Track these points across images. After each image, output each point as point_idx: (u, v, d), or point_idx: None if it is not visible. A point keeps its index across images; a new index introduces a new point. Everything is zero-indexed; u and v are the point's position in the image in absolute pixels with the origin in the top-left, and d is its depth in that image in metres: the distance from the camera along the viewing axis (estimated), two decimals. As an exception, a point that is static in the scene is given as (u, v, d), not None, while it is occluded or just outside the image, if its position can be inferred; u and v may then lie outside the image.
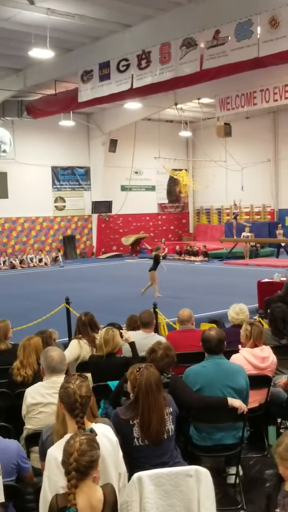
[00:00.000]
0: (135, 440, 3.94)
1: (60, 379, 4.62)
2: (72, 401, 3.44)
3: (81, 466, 2.94)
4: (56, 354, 4.76)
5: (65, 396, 3.48)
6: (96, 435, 3.23)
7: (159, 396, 3.98)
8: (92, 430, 3.34)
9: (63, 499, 2.94)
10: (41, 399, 4.61)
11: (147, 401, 3.91)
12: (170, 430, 4.01)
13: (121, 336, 6.17)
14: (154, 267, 16.60)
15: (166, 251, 28.30)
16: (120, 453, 3.58)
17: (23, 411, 4.72)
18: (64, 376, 4.69)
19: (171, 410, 4.07)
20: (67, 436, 3.30)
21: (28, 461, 4.02)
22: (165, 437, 3.97)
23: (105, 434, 3.46)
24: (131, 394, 4.06)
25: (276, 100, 21.67)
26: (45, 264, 27.33)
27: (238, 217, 28.91)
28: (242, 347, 5.78)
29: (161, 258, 17.35)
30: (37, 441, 4.11)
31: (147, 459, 3.90)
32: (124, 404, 4.35)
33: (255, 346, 5.72)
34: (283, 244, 25.49)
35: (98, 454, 3.02)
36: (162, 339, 6.81)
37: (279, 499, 3.19)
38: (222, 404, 4.75)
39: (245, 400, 4.96)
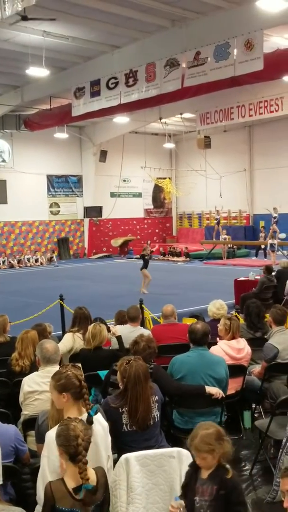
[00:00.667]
0: (124, 426, 3.92)
1: (54, 368, 4.60)
2: (78, 386, 3.42)
3: (87, 446, 2.93)
4: (50, 346, 4.74)
5: (69, 382, 3.43)
6: (98, 412, 3.29)
7: (146, 386, 3.97)
8: (97, 410, 3.35)
9: (57, 485, 2.91)
10: (37, 387, 4.59)
11: (135, 390, 3.90)
12: (156, 416, 4.00)
13: (109, 330, 6.16)
14: (144, 266, 16.59)
15: (156, 247, 28.19)
16: (109, 438, 3.57)
17: (21, 398, 4.70)
18: (58, 366, 4.68)
19: (157, 398, 4.06)
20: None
21: (25, 444, 4.01)
22: (151, 423, 3.96)
23: (97, 419, 3.45)
24: (120, 384, 4.05)
25: (251, 115, 21.81)
26: (41, 264, 27.19)
27: (220, 223, 28.81)
28: (220, 339, 5.79)
29: (148, 257, 17.24)
30: (33, 425, 4.09)
31: (135, 443, 3.89)
32: (114, 393, 4.33)
33: (233, 338, 5.73)
34: (262, 246, 25.49)
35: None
36: (147, 332, 6.81)
37: (197, 487, 3.15)
38: (200, 392, 4.76)
39: (224, 389, 4.96)
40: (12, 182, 27.33)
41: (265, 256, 24.65)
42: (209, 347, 5.53)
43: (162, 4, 13.45)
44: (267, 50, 13.58)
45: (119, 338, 6.10)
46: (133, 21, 14.49)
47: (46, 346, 4.71)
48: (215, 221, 29.08)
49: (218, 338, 5.82)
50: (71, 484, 2.91)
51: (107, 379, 5.11)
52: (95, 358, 5.67)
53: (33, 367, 5.24)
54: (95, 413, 3.35)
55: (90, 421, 3.23)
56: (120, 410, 3.93)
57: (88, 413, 3.32)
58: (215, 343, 5.74)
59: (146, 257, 17.02)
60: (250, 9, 12.67)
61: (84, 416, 3.32)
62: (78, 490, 2.86)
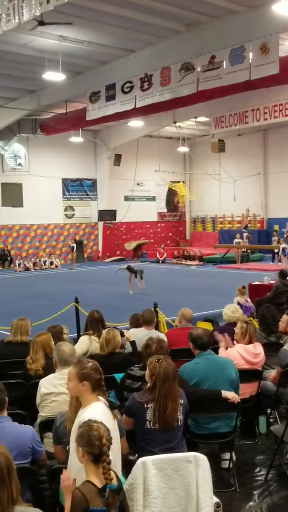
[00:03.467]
0: (147, 422, 3.92)
1: None
2: (98, 379, 3.58)
3: (109, 444, 2.96)
4: (67, 348, 4.76)
5: (90, 373, 3.59)
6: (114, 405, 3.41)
7: (175, 385, 3.99)
8: (114, 396, 3.46)
9: (86, 487, 2.90)
10: (54, 389, 4.61)
11: (164, 387, 3.92)
12: (180, 419, 3.99)
13: (123, 335, 6.14)
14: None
15: (165, 255, 28.33)
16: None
17: (37, 400, 4.71)
18: None
19: (182, 402, 4.05)
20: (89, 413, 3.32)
21: (42, 445, 4.01)
22: (175, 425, 3.95)
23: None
24: (149, 382, 4.05)
25: (266, 119, 21.71)
26: (56, 266, 27.28)
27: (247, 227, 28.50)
28: (236, 343, 5.76)
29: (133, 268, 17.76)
30: (50, 427, 4.11)
31: (156, 443, 3.88)
32: (129, 396, 4.33)
33: (250, 342, 5.70)
34: (275, 250, 25.37)
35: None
36: (162, 336, 6.80)
37: None
38: (216, 396, 4.73)
39: (236, 389, 4.94)
40: (27, 185, 27.52)
41: (274, 260, 24.54)
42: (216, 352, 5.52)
43: (177, 9, 13.47)
44: (282, 53, 13.51)
45: (133, 343, 6.08)
46: (149, 26, 14.53)
47: (62, 349, 4.72)
48: (243, 227, 28.61)
49: (235, 342, 5.79)
50: (98, 484, 2.91)
51: (122, 383, 5.10)
52: (109, 364, 5.59)
53: (46, 370, 5.26)
54: (114, 398, 3.51)
55: (112, 406, 3.39)
56: (145, 406, 3.94)
57: (109, 400, 3.47)
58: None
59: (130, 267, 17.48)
60: (266, 13, 12.64)
61: (99, 405, 3.42)
62: (103, 490, 2.86)
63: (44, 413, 4.62)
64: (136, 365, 5.07)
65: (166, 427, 3.90)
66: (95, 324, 6.60)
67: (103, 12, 13.38)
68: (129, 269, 17.18)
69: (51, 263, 27.28)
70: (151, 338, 5.10)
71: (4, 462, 2.62)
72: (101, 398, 3.57)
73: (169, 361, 4.05)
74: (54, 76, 16.33)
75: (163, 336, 6.81)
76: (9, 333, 6.70)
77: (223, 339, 5.75)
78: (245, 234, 27.02)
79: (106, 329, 6.00)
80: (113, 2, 12.93)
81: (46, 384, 4.66)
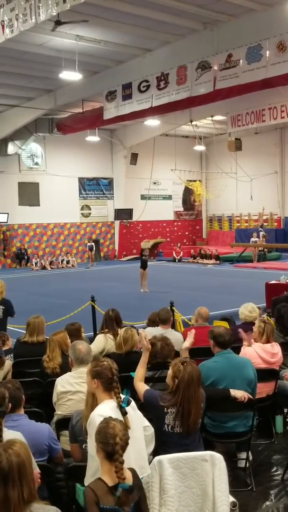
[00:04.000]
0: (166, 426, 3.89)
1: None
2: (109, 378, 3.58)
3: (125, 446, 2.96)
4: (83, 346, 4.78)
5: (102, 371, 3.61)
6: (130, 402, 3.40)
7: (199, 390, 3.95)
8: (128, 401, 3.43)
9: (97, 484, 2.93)
10: (70, 388, 4.63)
11: (188, 392, 3.86)
12: (199, 422, 3.98)
13: (139, 334, 6.14)
14: (142, 266, 17.13)
15: (181, 254, 28.30)
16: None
17: (54, 398, 4.73)
18: None
19: (203, 405, 4.03)
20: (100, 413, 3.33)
21: (58, 442, 4.04)
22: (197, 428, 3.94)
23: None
24: (171, 384, 3.99)
25: (283, 117, 21.57)
26: (72, 265, 27.39)
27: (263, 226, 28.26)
28: (254, 342, 5.73)
29: (146, 257, 17.63)
30: (67, 425, 4.13)
31: (173, 445, 3.84)
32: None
33: (267, 342, 5.67)
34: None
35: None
36: (178, 335, 6.80)
37: None
38: (225, 395, 4.71)
39: (254, 389, 4.92)
40: (44, 184, 27.68)
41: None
42: (237, 351, 5.49)
43: (194, 7, 13.43)
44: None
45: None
46: (165, 25, 14.51)
47: (78, 347, 4.74)
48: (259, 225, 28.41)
49: (252, 340, 5.76)
50: (109, 483, 2.93)
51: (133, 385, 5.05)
52: (126, 363, 5.58)
53: (62, 369, 5.29)
54: (127, 405, 3.46)
55: (123, 412, 3.35)
56: (165, 410, 3.89)
57: (120, 405, 3.43)
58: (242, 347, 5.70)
59: (143, 257, 17.15)
60: (283, 11, 12.58)
61: (113, 405, 3.45)
62: (114, 489, 2.87)
63: (60, 411, 4.64)
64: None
65: (190, 432, 3.87)
66: (110, 323, 6.62)
67: (120, 11, 13.39)
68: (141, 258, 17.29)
69: (68, 262, 27.40)
70: (154, 337, 5.12)
71: (15, 462, 2.58)
72: (113, 398, 3.57)
73: (194, 365, 4.00)
74: (70, 75, 16.38)
75: (179, 335, 6.83)
76: (25, 332, 6.74)
77: (247, 338, 5.72)
78: (261, 233, 26.88)
79: (124, 328, 6.01)
80: (130, 1, 12.94)
81: (63, 383, 4.68)
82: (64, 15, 11.72)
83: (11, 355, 6.77)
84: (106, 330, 6.58)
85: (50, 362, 5.51)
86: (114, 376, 3.61)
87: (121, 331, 5.94)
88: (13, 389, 3.78)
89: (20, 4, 10.55)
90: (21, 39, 13.98)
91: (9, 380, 4.21)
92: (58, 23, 12.29)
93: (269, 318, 7.97)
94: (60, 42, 15.06)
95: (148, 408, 4.01)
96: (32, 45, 15.51)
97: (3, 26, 11.14)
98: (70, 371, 4.81)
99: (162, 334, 5.42)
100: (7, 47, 14.53)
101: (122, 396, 3.55)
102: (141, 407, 3.99)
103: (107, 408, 3.45)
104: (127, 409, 3.43)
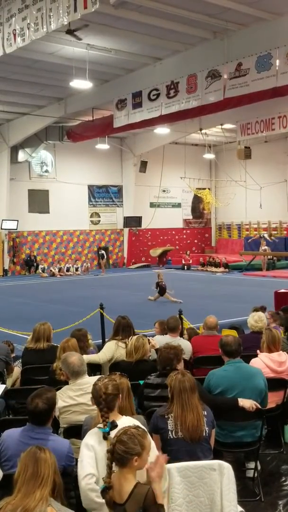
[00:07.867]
0: (169, 432, 3.89)
1: (84, 380, 4.64)
2: (97, 398, 3.62)
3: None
4: (75, 358, 4.74)
5: (94, 392, 3.69)
6: (116, 426, 3.36)
7: (193, 396, 3.95)
8: (113, 423, 3.42)
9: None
10: (71, 401, 4.58)
11: (181, 398, 3.90)
12: (205, 431, 3.92)
13: (149, 342, 6.13)
14: (160, 293, 16.65)
15: (190, 262, 28.26)
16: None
17: (56, 412, 4.56)
18: (87, 376, 4.72)
19: (206, 413, 3.99)
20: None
21: (74, 459, 3.86)
22: (203, 435, 3.90)
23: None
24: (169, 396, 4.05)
25: (293, 126, 21.54)
26: (86, 269, 27.42)
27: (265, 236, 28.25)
28: (260, 351, 5.71)
29: (163, 284, 16.90)
30: (73, 433, 4.10)
31: (180, 453, 3.80)
32: (148, 405, 4.34)
33: (269, 350, 5.64)
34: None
35: (138, 449, 3.05)
36: (187, 344, 6.79)
37: None
38: (233, 404, 4.69)
39: (264, 399, 4.89)
40: (54, 192, 27.82)
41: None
42: (249, 360, 5.47)
43: (205, 16, 13.49)
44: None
45: (157, 351, 6.06)
46: (176, 34, 14.59)
47: (71, 361, 4.71)
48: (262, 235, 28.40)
49: (258, 351, 5.74)
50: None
51: (140, 393, 5.04)
52: (137, 371, 5.53)
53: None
54: (110, 429, 3.43)
55: (104, 437, 3.42)
56: (166, 416, 3.93)
57: (103, 429, 3.48)
58: (255, 356, 5.67)
59: (160, 284, 16.80)
60: (293, 20, 12.61)
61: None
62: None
63: (64, 424, 4.57)
64: (152, 374, 5.05)
65: (192, 438, 3.85)
66: (128, 329, 6.51)
67: (130, 20, 13.47)
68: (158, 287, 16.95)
69: (77, 269, 27.46)
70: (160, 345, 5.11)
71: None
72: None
73: (188, 375, 4.04)
74: (81, 84, 16.49)
75: (187, 344, 6.81)
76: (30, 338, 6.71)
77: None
78: (265, 235, 26.86)
79: (135, 336, 5.95)
80: (140, 10, 13.02)
81: (63, 397, 4.61)
82: (74, 24, 11.82)
83: (20, 361, 6.79)
84: (120, 337, 6.46)
85: (62, 372, 5.45)
86: (101, 398, 3.57)
87: (132, 339, 5.90)
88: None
89: (31, 13, 10.67)
90: (32, 47, 14.13)
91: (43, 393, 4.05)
92: (69, 32, 12.38)
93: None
94: (71, 51, 15.19)
95: (155, 427, 3.98)
96: (43, 53, 15.65)
97: (15, 35, 11.26)
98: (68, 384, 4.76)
99: (167, 343, 5.40)
100: (19, 56, 14.70)
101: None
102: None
103: (93, 433, 3.56)
104: None
